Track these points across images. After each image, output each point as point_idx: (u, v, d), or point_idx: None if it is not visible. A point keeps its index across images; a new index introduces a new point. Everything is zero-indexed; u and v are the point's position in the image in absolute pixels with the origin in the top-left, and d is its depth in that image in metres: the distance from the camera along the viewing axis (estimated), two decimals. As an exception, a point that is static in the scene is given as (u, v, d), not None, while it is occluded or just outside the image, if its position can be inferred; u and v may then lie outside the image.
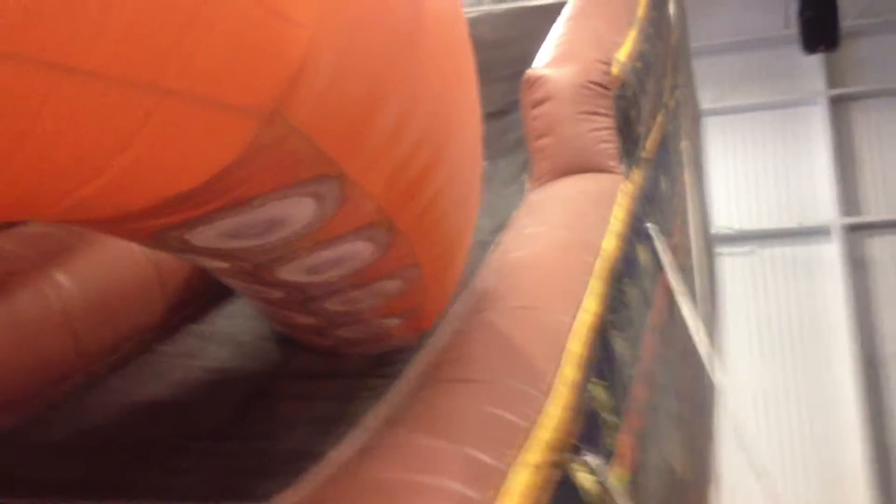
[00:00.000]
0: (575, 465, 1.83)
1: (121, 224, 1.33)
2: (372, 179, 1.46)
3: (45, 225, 3.01)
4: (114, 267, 2.91)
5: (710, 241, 6.64)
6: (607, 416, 2.11)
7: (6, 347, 2.48)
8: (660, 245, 3.18)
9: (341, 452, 1.89)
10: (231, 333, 2.97)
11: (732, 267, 10.44)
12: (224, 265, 1.69)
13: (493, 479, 1.68)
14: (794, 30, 10.77)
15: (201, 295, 3.10)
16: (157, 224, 1.35)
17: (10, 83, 0.86)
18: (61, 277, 2.75)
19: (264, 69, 1.11)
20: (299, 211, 1.41)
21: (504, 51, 4.81)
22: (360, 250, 1.66)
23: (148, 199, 1.21)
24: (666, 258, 3.18)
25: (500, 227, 3.24)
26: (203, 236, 1.41)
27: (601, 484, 1.88)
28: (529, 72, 3.59)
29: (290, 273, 1.69)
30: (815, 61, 11.18)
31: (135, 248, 2.99)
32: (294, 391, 2.54)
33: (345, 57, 1.24)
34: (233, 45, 1.05)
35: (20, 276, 2.67)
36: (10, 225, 3.09)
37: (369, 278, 1.82)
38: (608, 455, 2.02)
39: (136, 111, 1.01)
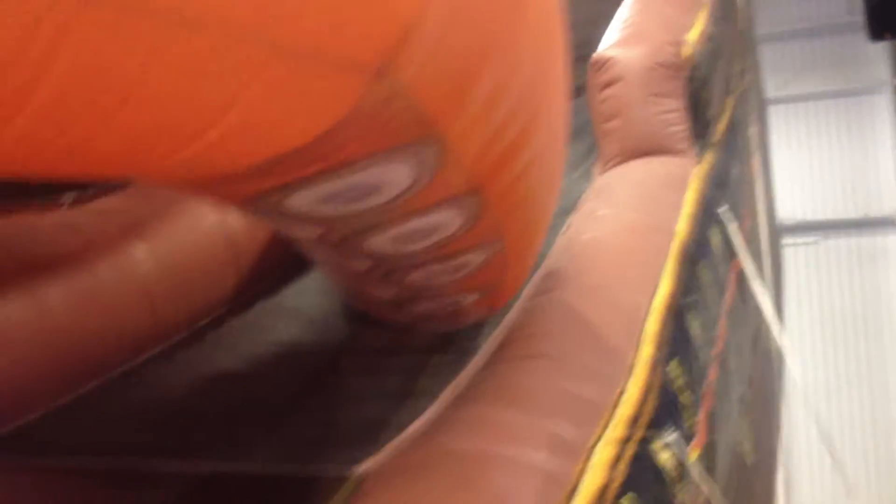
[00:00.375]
0: (656, 444, 1.81)
1: (222, 185, 1.34)
2: (467, 147, 1.45)
3: (118, 200, 3.06)
4: (189, 241, 2.95)
5: (777, 230, 6.54)
6: (686, 398, 2.09)
7: (87, 317, 2.52)
8: (732, 229, 3.13)
9: (420, 424, 1.90)
10: (302, 309, 3.00)
11: (796, 257, 10.29)
12: (316, 232, 1.70)
13: (577, 454, 1.67)
14: (858, 16, 10.49)
15: (273, 271, 3.13)
16: (257, 187, 1.36)
17: (117, 32, 0.86)
18: (138, 250, 2.79)
19: (374, 24, 1.10)
20: (398, 176, 1.41)
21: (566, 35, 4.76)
22: (450, 220, 1.66)
23: (254, 157, 1.21)
24: (738, 242, 3.13)
25: (567, 210, 3.21)
26: (301, 200, 1.42)
27: (681, 462, 1.86)
28: (598, 54, 3.54)
29: (380, 243, 1.70)
30: (881, 49, 10.90)
31: (209, 222, 3.04)
32: (363, 366, 2.55)
33: (452, 17, 1.23)
34: None
35: (98, 248, 2.71)
36: (83, 201, 3.15)
37: (455, 250, 1.82)
38: (688, 436, 2.00)
39: (245, 65, 1.00)
